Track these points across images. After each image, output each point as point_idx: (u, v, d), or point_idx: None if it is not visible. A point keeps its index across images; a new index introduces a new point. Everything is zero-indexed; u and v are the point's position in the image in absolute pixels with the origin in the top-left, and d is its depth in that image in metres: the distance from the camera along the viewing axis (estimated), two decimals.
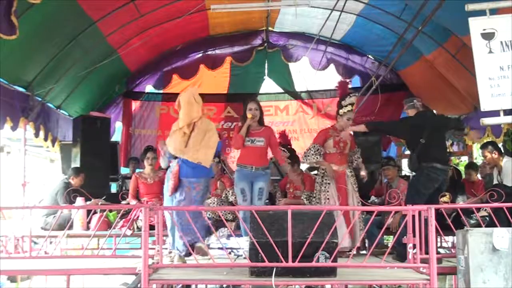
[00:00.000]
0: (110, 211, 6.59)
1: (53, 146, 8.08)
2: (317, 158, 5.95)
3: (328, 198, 5.93)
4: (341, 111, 6.12)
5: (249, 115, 5.91)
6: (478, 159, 9.16)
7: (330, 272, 4.24)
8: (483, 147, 6.41)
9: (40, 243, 6.38)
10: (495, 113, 4.59)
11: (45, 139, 7.67)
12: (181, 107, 5.18)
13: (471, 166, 8.07)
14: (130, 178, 7.52)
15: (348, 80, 6.39)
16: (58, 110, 8.37)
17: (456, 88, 8.08)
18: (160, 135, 10.41)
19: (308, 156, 6.03)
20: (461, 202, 6.33)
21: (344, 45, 9.98)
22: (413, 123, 5.68)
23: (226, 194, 6.96)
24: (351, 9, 8.05)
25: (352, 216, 5.77)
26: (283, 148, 6.80)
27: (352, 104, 6.07)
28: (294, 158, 6.93)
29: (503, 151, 6.65)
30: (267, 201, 6.71)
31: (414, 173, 5.83)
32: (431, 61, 8.04)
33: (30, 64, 6.86)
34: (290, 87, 10.59)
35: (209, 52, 10.15)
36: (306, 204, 6.52)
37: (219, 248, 6.86)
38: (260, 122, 6.11)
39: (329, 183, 5.98)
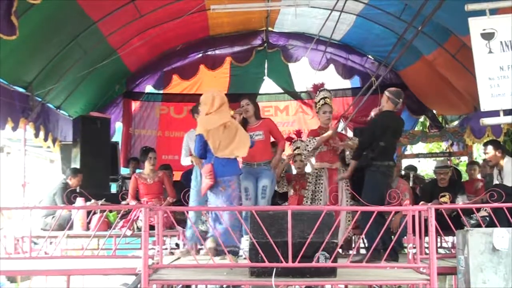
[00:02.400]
0: (110, 211, 6.59)
1: (53, 146, 8.09)
2: (314, 141, 5.97)
3: (320, 199, 5.95)
4: (316, 108, 6.20)
5: (232, 113, 5.93)
6: (478, 159, 9.16)
7: (330, 272, 4.23)
8: (487, 143, 6.38)
9: (40, 243, 6.38)
10: (495, 113, 4.59)
11: (45, 139, 7.67)
12: (214, 105, 5.19)
13: (474, 162, 8.11)
14: (130, 178, 7.52)
15: (322, 82, 6.41)
16: (58, 110, 8.37)
17: (456, 88, 8.09)
18: (160, 136, 10.43)
19: (308, 145, 6.05)
20: (461, 202, 6.32)
21: (344, 45, 9.98)
22: (380, 123, 5.70)
23: None
24: (351, 9, 8.06)
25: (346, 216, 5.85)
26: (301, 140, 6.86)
27: (324, 98, 6.10)
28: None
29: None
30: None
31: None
32: (431, 61, 8.04)
33: (30, 64, 6.86)
34: (290, 87, 10.60)
35: (209, 52, 10.17)
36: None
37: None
38: (257, 116, 6.11)
39: (322, 183, 5.99)
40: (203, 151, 5.21)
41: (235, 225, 5.03)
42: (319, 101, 6.15)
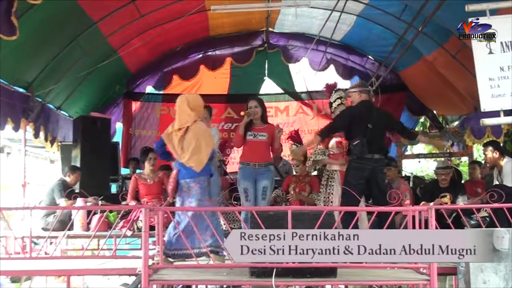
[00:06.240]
0: (110, 211, 6.60)
1: (51, 146, 8.07)
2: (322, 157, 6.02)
3: (332, 201, 5.96)
4: (332, 108, 6.18)
5: (242, 113, 5.91)
6: (479, 160, 9.16)
7: (330, 272, 4.23)
8: (485, 146, 6.41)
9: (40, 243, 6.39)
10: (495, 114, 4.59)
11: (46, 139, 7.68)
12: (175, 110, 5.20)
13: (475, 162, 8.11)
14: (130, 178, 7.53)
15: (334, 82, 6.40)
16: (59, 110, 8.37)
17: (456, 89, 8.09)
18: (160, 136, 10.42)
19: (313, 157, 6.10)
20: (461, 203, 6.32)
21: (344, 46, 9.99)
22: (352, 113, 5.65)
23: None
24: (351, 9, 8.06)
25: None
26: (298, 145, 6.84)
27: (340, 98, 6.09)
28: (304, 157, 6.92)
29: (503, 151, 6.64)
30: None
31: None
32: (431, 61, 8.04)
33: (30, 64, 6.86)
34: (290, 88, 10.60)
35: (209, 53, 10.16)
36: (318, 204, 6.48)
37: None
38: (264, 119, 6.10)
39: (333, 185, 6.00)
40: (161, 153, 5.33)
41: (202, 226, 4.87)
42: (334, 101, 6.11)
